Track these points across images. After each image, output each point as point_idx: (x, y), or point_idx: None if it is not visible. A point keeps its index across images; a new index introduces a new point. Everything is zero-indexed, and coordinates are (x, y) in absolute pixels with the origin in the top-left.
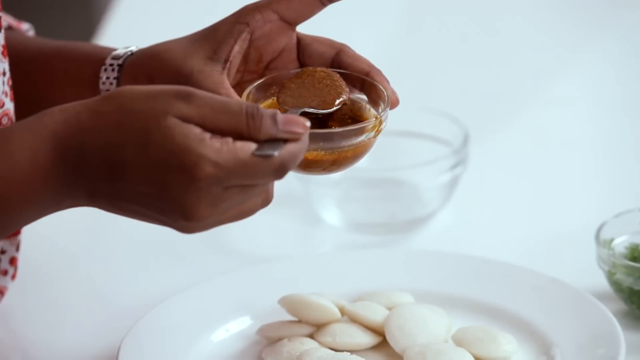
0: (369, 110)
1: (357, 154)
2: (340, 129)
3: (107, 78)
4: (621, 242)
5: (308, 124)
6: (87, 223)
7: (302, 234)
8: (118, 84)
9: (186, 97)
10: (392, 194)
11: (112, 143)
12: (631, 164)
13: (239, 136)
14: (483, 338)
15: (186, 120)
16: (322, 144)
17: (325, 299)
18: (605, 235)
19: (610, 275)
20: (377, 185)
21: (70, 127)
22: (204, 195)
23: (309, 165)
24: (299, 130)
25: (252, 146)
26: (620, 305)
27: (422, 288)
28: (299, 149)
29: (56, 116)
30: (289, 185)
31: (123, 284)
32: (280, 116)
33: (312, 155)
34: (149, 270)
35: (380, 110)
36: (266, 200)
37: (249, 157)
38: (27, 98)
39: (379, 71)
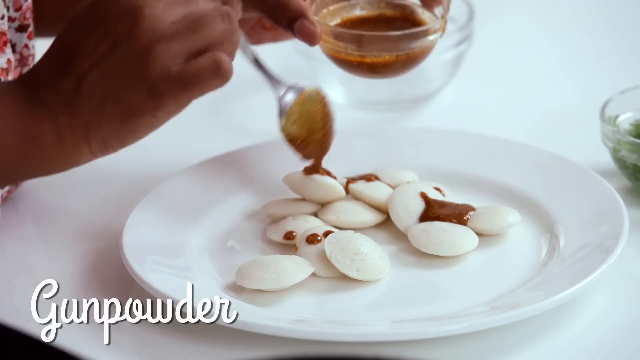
0: (422, 12)
1: (424, 54)
2: (414, 30)
3: None
4: (626, 119)
5: None
6: None
7: None
8: None
9: None
10: None
11: (56, 40)
12: (637, 40)
13: None
14: (484, 213)
15: None
16: (397, 45)
17: (329, 177)
18: (610, 111)
19: (614, 152)
20: None
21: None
22: None
23: (381, 68)
24: None
25: None
26: (624, 182)
27: (426, 166)
28: None
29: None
30: (293, 63)
31: (125, 163)
32: None
33: (384, 59)
34: (150, 149)
35: (438, 12)
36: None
37: None
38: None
39: None
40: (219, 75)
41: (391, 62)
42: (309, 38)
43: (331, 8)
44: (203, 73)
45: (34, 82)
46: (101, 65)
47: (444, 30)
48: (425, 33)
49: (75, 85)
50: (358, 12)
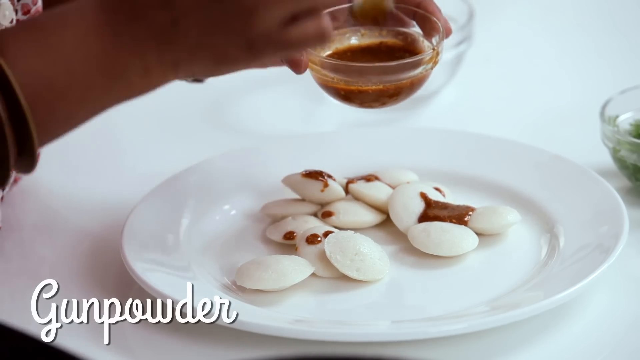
0: (423, 42)
1: (414, 85)
2: (400, 62)
3: None
4: (626, 119)
5: None
6: None
7: (306, 111)
8: None
9: None
10: None
11: None
12: (637, 40)
13: None
14: (483, 213)
15: None
16: (383, 77)
17: (330, 179)
18: (610, 112)
19: (614, 152)
20: None
21: None
22: None
23: (368, 98)
24: None
25: None
26: (624, 182)
27: (425, 166)
28: None
29: None
30: None
31: (128, 162)
32: None
33: (371, 88)
34: (151, 148)
35: (435, 42)
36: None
37: None
38: None
39: (430, 1)
40: (322, 40)
41: (378, 91)
42: (295, 66)
43: None
44: (307, 39)
45: (122, 9)
46: (203, 10)
47: (435, 62)
48: (414, 65)
49: (172, 23)
50: (359, 40)
